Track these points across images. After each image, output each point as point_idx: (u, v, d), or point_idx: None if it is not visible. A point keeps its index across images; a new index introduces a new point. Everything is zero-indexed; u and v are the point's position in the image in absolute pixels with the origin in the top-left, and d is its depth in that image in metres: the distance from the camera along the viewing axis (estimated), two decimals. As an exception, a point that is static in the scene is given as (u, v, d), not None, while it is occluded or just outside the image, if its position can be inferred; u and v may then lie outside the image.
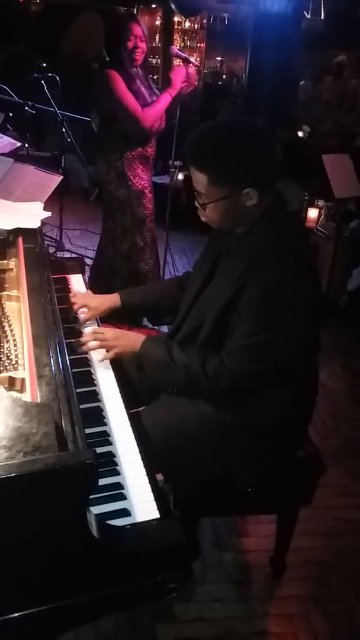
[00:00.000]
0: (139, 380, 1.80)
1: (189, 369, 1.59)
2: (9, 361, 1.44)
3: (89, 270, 3.62)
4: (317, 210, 4.55)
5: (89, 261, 4.38)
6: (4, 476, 0.95)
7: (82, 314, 1.95)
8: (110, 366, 1.74)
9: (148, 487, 1.31)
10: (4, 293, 1.76)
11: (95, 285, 3.43)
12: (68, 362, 1.48)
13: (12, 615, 1.07)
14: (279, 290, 1.49)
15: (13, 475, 0.96)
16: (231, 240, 1.65)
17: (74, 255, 4.36)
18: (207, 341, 1.63)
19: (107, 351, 1.73)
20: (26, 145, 4.28)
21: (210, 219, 1.61)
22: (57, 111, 4.32)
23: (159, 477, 1.53)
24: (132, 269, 3.42)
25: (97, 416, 1.51)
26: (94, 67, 3.13)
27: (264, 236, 1.55)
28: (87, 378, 1.66)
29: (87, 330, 1.84)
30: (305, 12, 6.88)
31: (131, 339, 1.73)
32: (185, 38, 10.54)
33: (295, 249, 1.55)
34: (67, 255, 4.41)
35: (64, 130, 4.41)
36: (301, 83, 7.16)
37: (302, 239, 1.67)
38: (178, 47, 9.88)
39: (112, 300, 1.96)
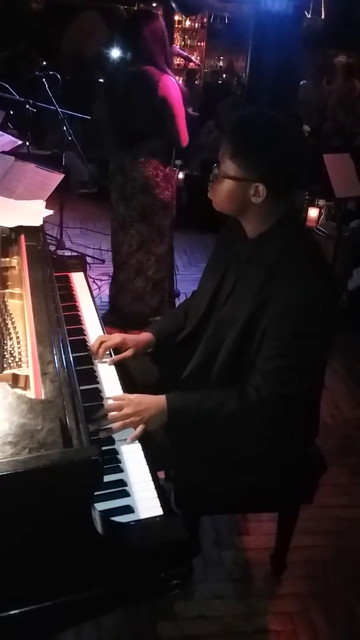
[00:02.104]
0: (167, 442, 1.60)
1: (234, 411, 1.49)
2: (12, 358, 1.44)
3: (110, 278, 3.68)
4: (318, 209, 4.56)
5: (89, 259, 4.41)
6: (10, 472, 0.95)
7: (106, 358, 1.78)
8: (113, 365, 1.74)
9: (151, 484, 1.32)
10: (6, 291, 1.76)
11: (120, 291, 3.51)
12: (72, 360, 1.49)
13: (16, 611, 1.07)
14: (307, 305, 1.44)
15: (19, 471, 0.96)
16: (243, 247, 1.61)
17: (74, 254, 4.38)
18: (228, 361, 1.57)
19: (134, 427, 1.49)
20: (27, 143, 4.29)
21: (215, 196, 1.56)
22: (58, 109, 4.32)
23: (160, 475, 1.53)
24: (165, 272, 3.51)
25: (100, 414, 1.51)
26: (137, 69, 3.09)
27: (281, 245, 1.51)
28: (90, 375, 1.66)
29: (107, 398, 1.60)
30: (305, 12, 6.89)
31: (152, 402, 1.52)
32: (186, 37, 10.57)
33: (314, 258, 1.52)
34: (67, 253, 4.41)
35: (64, 128, 4.42)
36: (302, 83, 7.16)
37: (318, 246, 1.63)
38: (179, 46, 9.92)
39: (145, 337, 1.85)
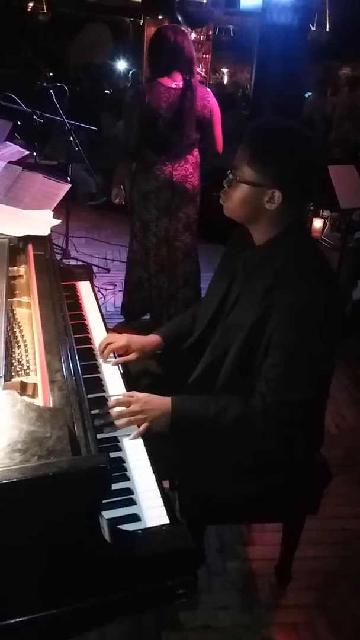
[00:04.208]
0: (173, 446, 1.61)
1: (238, 416, 1.50)
2: (20, 366, 1.45)
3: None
4: (322, 220, 4.58)
5: (94, 269, 4.43)
6: (19, 479, 0.96)
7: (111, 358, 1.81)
8: (120, 374, 1.75)
9: (157, 493, 1.32)
10: (14, 299, 1.77)
11: (172, 300, 3.60)
12: (79, 368, 1.50)
13: (22, 619, 1.07)
14: (311, 311, 1.44)
15: (28, 477, 0.97)
16: (250, 254, 1.62)
17: (80, 263, 4.40)
18: (234, 368, 1.58)
19: (138, 425, 1.52)
20: (34, 153, 4.33)
21: (228, 202, 1.56)
22: (66, 120, 4.36)
23: (165, 484, 1.53)
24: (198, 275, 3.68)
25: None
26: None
27: (286, 252, 1.52)
28: (97, 384, 1.67)
29: (111, 395, 1.63)
30: (310, 24, 6.94)
31: (158, 403, 1.56)
32: (191, 49, 10.62)
33: (318, 266, 1.53)
34: (72, 262, 4.44)
35: (71, 139, 4.45)
36: (308, 95, 7.22)
37: (323, 255, 1.64)
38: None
39: (152, 339, 1.89)
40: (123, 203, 3.61)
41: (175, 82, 3.19)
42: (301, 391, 1.49)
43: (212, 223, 3.62)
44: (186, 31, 3.36)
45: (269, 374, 1.49)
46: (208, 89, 3.38)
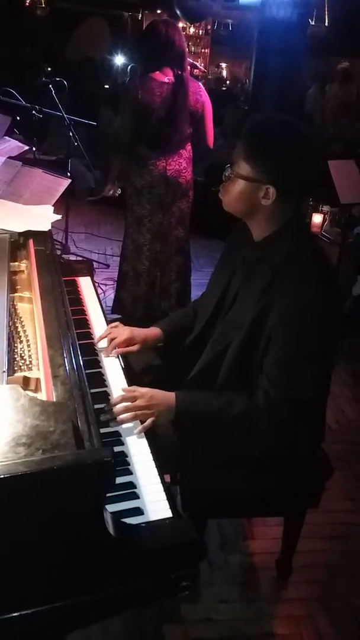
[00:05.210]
0: (175, 440, 1.62)
1: (241, 412, 1.50)
2: (22, 361, 1.45)
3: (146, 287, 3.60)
4: (322, 215, 4.57)
5: (94, 264, 4.42)
6: (24, 472, 0.97)
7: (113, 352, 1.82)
8: (121, 369, 1.76)
9: (160, 487, 1.33)
10: (16, 294, 1.77)
11: (164, 295, 3.58)
12: (82, 363, 1.50)
13: (27, 612, 1.08)
14: (310, 308, 1.45)
15: (34, 471, 0.97)
16: (249, 250, 1.63)
17: (79, 258, 4.40)
18: (234, 364, 1.59)
19: (142, 420, 1.53)
20: (33, 148, 4.32)
21: (226, 196, 1.57)
22: (65, 115, 4.35)
23: (166, 479, 1.54)
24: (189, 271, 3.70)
25: (109, 417, 1.52)
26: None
27: (285, 249, 1.52)
28: (99, 378, 1.68)
29: (115, 392, 1.63)
30: (309, 19, 6.93)
31: (163, 398, 1.56)
32: (190, 44, 10.61)
33: (317, 262, 1.53)
34: (72, 258, 4.43)
35: (70, 134, 4.44)
36: (310, 90, 7.21)
37: (323, 251, 1.64)
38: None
39: (154, 332, 1.89)
40: (117, 194, 3.58)
41: (168, 76, 3.18)
42: (303, 388, 1.49)
43: (212, 218, 3.62)
44: (179, 24, 3.38)
45: (270, 372, 1.50)
46: (200, 84, 3.38)
